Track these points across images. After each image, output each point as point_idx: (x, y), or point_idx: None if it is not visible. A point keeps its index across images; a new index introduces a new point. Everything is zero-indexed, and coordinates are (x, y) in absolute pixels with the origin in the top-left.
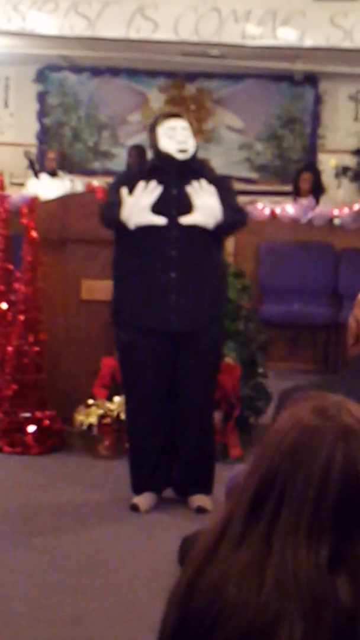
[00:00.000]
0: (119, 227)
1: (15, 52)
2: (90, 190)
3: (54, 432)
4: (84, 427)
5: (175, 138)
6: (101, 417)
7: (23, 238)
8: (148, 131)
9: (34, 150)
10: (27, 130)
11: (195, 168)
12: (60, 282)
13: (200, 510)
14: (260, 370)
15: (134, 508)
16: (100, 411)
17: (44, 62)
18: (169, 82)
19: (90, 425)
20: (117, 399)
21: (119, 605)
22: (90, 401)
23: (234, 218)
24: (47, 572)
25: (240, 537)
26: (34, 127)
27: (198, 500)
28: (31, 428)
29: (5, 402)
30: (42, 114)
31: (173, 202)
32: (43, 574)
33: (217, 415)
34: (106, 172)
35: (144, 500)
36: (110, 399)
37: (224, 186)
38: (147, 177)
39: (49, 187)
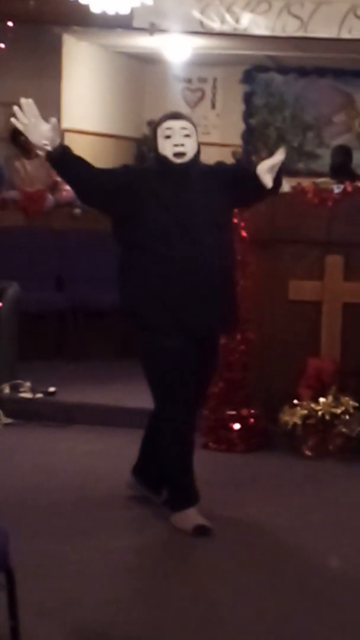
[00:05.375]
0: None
1: (224, 53)
2: (300, 190)
3: (259, 431)
4: (289, 427)
5: (172, 140)
6: (306, 417)
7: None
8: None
9: (239, 151)
10: (233, 130)
11: (196, 171)
12: (268, 281)
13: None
14: None
15: (202, 531)
16: (305, 411)
17: (251, 63)
18: None
19: (295, 425)
20: (322, 399)
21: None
22: (295, 401)
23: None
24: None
25: None
26: (239, 127)
27: None
28: (236, 426)
29: (211, 399)
30: (247, 114)
31: (174, 209)
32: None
33: None
34: (310, 173)
35: (198, 517)
36: (315, 399)
37: (221, 167)
38: (151, 181)
39: None
